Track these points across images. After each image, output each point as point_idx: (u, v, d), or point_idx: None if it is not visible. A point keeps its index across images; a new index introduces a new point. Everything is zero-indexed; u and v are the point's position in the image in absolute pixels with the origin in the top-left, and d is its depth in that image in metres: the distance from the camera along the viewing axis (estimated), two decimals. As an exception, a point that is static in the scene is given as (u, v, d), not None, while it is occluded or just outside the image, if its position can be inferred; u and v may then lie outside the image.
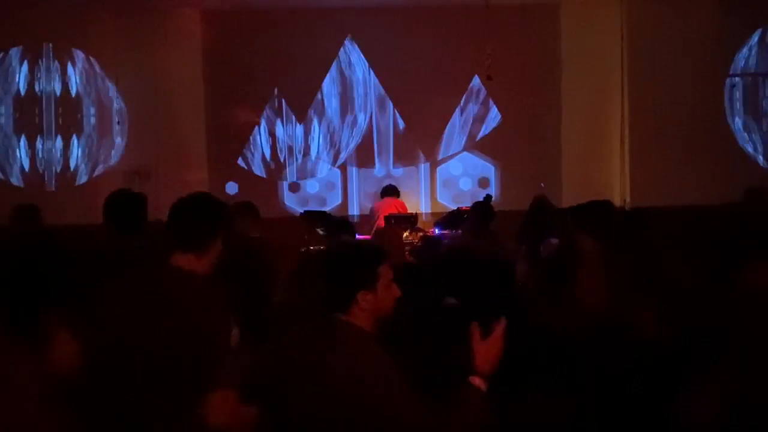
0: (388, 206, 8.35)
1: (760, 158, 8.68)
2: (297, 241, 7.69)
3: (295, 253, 5.61)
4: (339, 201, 9.41)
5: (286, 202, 9.42)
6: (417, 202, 9.27)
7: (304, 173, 9.37)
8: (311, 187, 9.52)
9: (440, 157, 9.38)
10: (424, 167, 9.47)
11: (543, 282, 2.99)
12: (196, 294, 2.46)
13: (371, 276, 2.38)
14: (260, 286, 4.04)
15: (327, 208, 8.93)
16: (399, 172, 9.36)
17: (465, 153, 9.44)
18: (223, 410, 2.32)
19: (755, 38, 8.67)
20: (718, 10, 8.71)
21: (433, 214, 8.96)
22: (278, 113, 9.26)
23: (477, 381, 2.34)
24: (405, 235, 7.59)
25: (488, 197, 7.27)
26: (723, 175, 8.04)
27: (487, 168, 9.50)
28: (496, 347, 2.35)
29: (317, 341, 2.40)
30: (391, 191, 8.68)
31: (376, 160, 9.41)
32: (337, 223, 6.19)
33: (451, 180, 9.53)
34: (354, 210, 9.30)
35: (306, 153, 9.31)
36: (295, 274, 5.02)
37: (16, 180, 8.57)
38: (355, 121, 9.31)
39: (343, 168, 9.44)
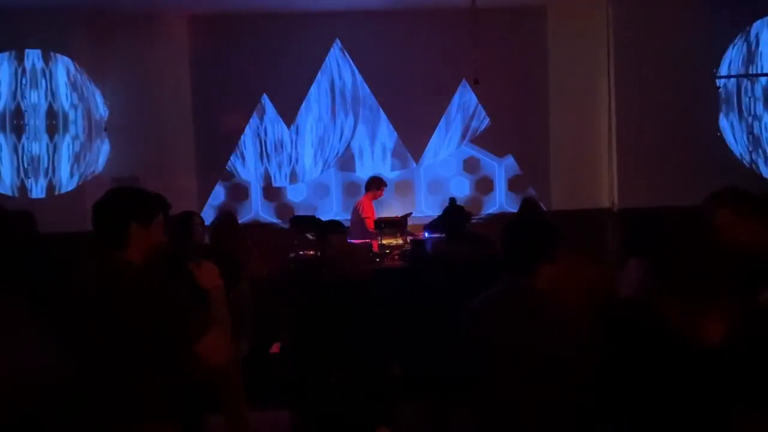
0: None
1: (746, 159, 8.72)
2: (285, 246, 7.69)
3: (281, 258, 5.61)
4: (328, 205, 9.42)
5: (273, 208, 9.41)
6: (405, 205, 9.29)
7: (293, 178, 9.35)
8: (300, 192, 9.50)
9: (429, 160, 9.39)
10: (412, 171, 9.48)
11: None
12: (134, 284, 2.62)
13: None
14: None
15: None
16: (387, 175, 9.34)
17: (453, 155, 9.46)
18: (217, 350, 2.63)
19: (742, 39, 8.71)
20: (704, 11, 8.76)
21: (421, 217, 8.96)
22: (266, 118, 9.24)
23: None
24: (391, 241, 7.72)
25: (452, 200, 7.35)
26: (710, 176, 8.07)
27: (476, 170, 9.54)
28: None
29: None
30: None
31: (364, 164, 9.41)
32: (326, 227, 6.16)
33: (440, 183, 9.54)
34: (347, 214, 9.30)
35: (294, 158, 9.30)
36: (287, 276, 5.06)
37: (1, 188, 8.51)
38: (343, 126, 9.30)
39: (332, 173, 9.45)
